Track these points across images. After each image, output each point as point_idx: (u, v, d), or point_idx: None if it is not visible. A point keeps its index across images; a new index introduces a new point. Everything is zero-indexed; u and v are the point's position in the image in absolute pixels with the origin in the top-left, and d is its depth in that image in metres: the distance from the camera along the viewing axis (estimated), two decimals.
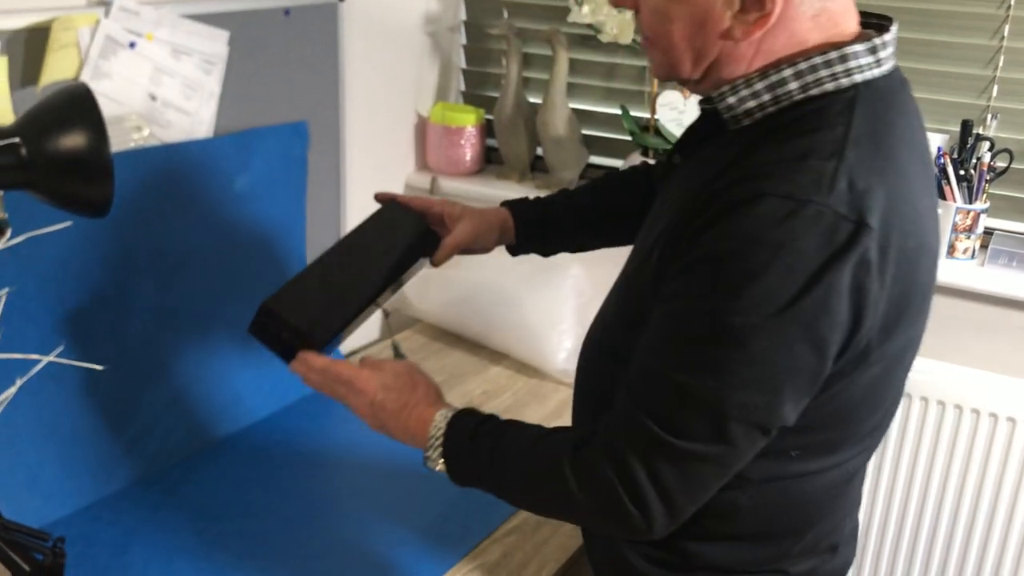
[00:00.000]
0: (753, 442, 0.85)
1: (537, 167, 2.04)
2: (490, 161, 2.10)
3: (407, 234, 1.22)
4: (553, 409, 1.66)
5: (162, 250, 1.41)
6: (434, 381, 1.08)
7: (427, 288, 1.90)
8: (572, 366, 1.77)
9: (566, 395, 1.70)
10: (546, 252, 1.31)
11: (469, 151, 2.02)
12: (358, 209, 1.86)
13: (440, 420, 0.99)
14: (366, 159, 1.88)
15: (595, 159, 1.99)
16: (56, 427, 1.28)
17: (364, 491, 1.42)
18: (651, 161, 1.79)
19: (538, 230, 1.28)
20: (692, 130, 1.02)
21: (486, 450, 0.95)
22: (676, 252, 0.85)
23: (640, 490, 0.85)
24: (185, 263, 1.45)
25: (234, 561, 1.23)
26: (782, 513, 0.95)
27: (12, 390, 0.64)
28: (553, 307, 1.80)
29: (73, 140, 0.87)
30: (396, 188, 2.03)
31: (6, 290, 0.68)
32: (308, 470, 1.45)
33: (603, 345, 1.02)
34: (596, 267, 1.49)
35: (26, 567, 1.02)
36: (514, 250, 1.29)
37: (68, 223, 0.83)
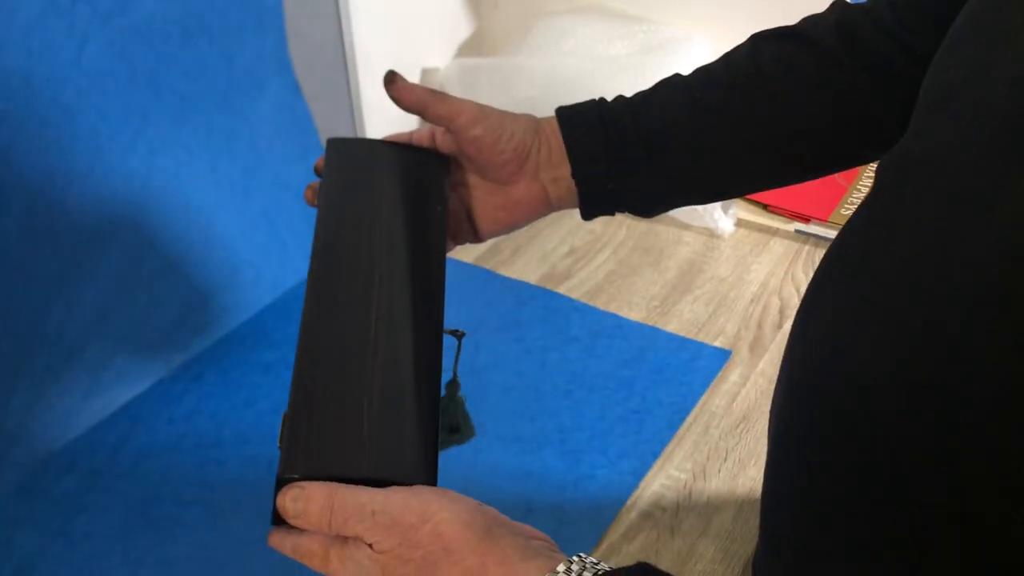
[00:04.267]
0: None
1: None
2: None
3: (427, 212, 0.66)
4: (672, 279, 1.13)
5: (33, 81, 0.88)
6: (509, 533, 0.49)
7: (475, 89, 1.33)
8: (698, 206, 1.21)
9: (690, 253, 1.17)
10: (646, 209, 0.71)
11: None
12: None
13: None
14: None
15: None
16: None
17: None
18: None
19: (624, 167, 0.67)
20: None
21: None
22: None
23: None
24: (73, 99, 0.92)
25: None
26: None
27: None
28: None
29: None
30: None
31: None
32: None
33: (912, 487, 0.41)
34: (729, 34, 0.85)
35: None
36: (584, 209, 0.70)
37: None
